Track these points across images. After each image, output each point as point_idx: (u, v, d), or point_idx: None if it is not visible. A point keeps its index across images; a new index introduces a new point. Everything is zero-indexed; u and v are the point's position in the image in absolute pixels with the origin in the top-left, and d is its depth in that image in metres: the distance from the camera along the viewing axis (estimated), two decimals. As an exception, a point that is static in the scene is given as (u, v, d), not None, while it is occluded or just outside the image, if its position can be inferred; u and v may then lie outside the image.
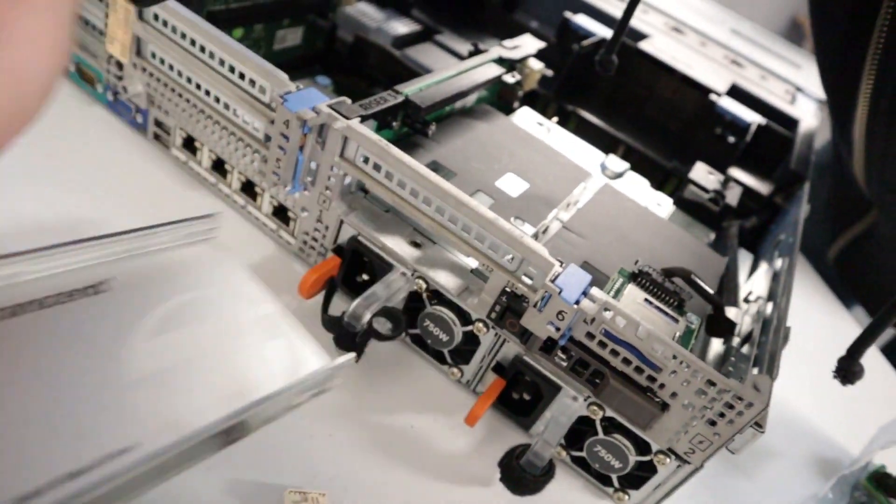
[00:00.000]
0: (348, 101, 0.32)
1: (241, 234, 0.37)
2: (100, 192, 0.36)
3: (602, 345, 0.28)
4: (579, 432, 0.31)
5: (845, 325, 0.57)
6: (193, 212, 0.36)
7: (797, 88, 0.67)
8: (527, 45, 0.46)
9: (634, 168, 0.51)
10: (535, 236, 0.33)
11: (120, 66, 0.39)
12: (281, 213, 0.36)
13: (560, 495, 0.32)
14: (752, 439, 0.27)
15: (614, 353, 0.27)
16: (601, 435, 0.30)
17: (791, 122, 0.58)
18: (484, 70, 0.41)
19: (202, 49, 0.35)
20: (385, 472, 0.29)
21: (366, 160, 0.31)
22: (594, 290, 0.27)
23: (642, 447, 0.30)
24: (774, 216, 0.49)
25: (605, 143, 0.52)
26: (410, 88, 0.36)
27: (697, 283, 0.32)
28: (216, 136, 0.36)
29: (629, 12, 0.37)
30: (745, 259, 0.47)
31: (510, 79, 0.43)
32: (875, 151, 0.48)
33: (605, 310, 0.27)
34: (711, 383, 0.26)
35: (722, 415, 0.27)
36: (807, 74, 0.72)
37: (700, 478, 0.34)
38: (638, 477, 0.31)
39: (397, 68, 0.47)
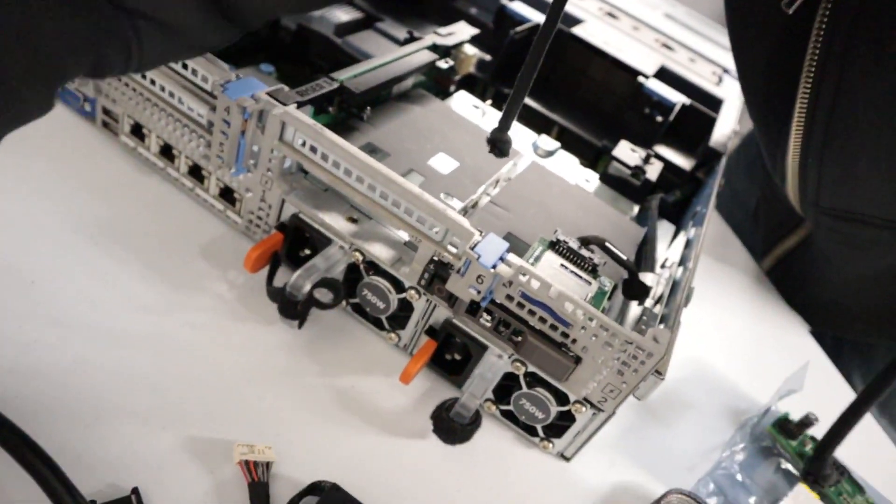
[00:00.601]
0: (286, 88, 0.34)
1: (191, 215, 0.39)
2: (52, 179, 0.37)
3: (520, 305, 0.30)
4: (506, 388, 0.34)
5: (760, 288, 0.61)
6: (144, 197, 0.38)
7: (724, 70, 0.70)
8: (461, 31, 0.49)
9: (567, 147, 0.54)
10: (464, 210, 0.36)
11: (66, 56, 0.40)
12: (227, 194, 0.39)
13: (493, 446, 0.35)
14: (654, 386, 0.31)
15: (531, 312, 0.30)
16: (525, 389, 0.33)
17: (716, 102, 0.62)
18: (418, 56, 0.43)
19: (145, 40, 0.36)
20: (328, 428, 0.32)
21: (303, 143, 0.33)
22: (510, 256, 0.30)
23: (562, 398, 0.33)
24: (696, 190, 0.53)
25: (540, 125, 0.55)
26: (346, 75, 0.38)
27: (611, 250, 0.35)
28: (163, 122, 0.38)
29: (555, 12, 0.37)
30: (669, 230, 0.51)
31: (443, 64, 0.45)
32: (809, 180, 0.48)
33: (522, 274, 0.30)
34: (616, 336, 0.29)
35: (627, 365, 0.30)
36: (735, 56, 0.76)
37: (622, 428, 0.38)
38: (560, 426, 0.34)
39: (338, 55, 0.49)
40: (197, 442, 0.29)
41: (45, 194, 0.37)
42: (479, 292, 0.30)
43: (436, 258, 0.32)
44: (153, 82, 0.37)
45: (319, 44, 0.50)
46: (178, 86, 0.36)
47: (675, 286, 0.37)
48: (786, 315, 0.59)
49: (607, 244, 0.35)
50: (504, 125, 0.34)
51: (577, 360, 0.31)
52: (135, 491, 0.26)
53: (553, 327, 0.30)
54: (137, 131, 0.40)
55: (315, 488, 0.28)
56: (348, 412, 0.33)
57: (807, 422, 0.40)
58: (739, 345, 0.52)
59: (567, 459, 0.35)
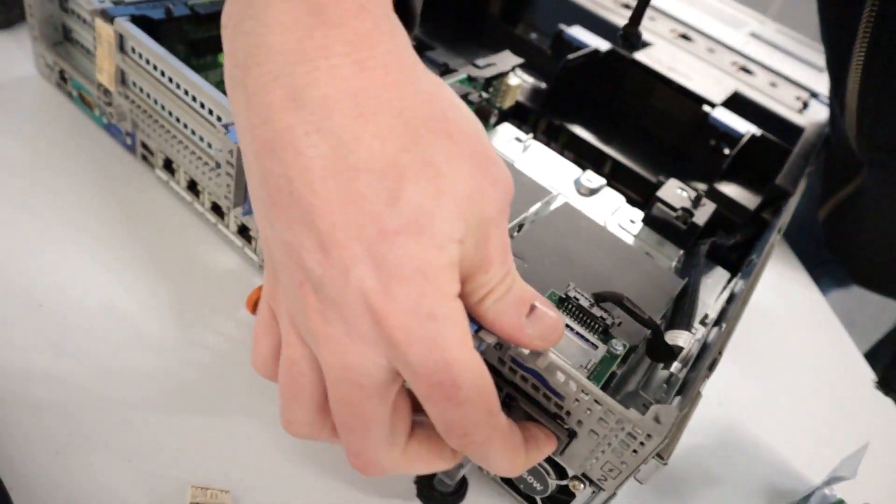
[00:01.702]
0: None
1: (213, 249, 0.40)
2: (89, 206, 0.39)
3: (513, 371, 0.28)
4: (505, 453, 0.32)
5: (835, 338, 0.55)
6: (171, 229, 0.39)
7: (812, 94, 0.64)
8: (502, 62, 0.47)
9: (622, 183, 0.51)
10: (473, 259, 0.34)
11: (108, 93, 0.42)
12: (244, 231, 0.39)
13: (490, 513, 0.32)
14: (656, 471, 0.27)
15: (524, 378, 0.28)
16: (522, 457, 0.31)
17: (795, 131, 0.56)
18: (447, 91, 0.42)
19: (170, 80, 0.37)
20: (299, 479, 0.31)
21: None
22: (499, 319, 0.27)
23: (560, 471, 0.30)
24: (760, 233, 0.48)
25: (593, 158, 0.53)
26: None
27: (630, 308, 0.32)
28: (187, 158, 0.39)
29: None
30: (721, 278, 0.46)
31: (475, 98, 0.43)
32: (867, 108, 0.48)
33: (511, 338, 0.27)
34: (610, 413, 0.27)
35: (626, 444, 0.27)
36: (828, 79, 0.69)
37: (630, 499, 0.35)
38: (559, 500, 0.31)
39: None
40: (159, 479, 0.29)
41: (77, 220, 0.38)
42: (463, 356, 0.28)
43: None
44: (178, 119, 0.38)
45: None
46: (197, 123, 0.37)
47: (703, 349, 0.33)
48: (862, 373, 0.52)
49: (625, 301, 0.32)
50: (635, 19, 0.39)
51: (572, 433, 0.28)
52: None
53: (546, 397, 0.28)
54: (169, 166, 0.41)
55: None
56: (326, 465, 0.32)
57: (862, 512, 0.35)
58: (795, 409, 0.46)
59: (570, 536, 0.33)
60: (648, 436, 0.26)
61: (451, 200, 0.21)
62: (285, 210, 0.21)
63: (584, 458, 0.29)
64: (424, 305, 0.21)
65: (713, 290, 0.44)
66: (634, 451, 0.27)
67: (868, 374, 0.52)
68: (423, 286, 0.21)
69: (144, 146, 0.42)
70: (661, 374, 0.36)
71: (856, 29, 0.45)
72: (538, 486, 0.31)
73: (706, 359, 0.32)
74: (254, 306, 0.34)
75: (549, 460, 0.30)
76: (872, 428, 0.46)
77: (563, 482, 0.30)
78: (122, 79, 0.40)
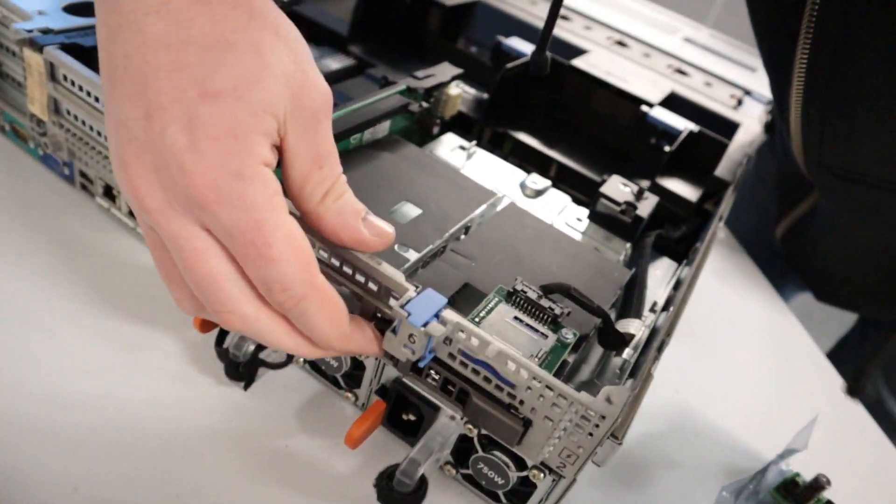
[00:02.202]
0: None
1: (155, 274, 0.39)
2: (34, 240, 0.38)
3: (464, 364, 0.28)
4: (464, 450, 0.32)
5: (780, 320, 0.56)
6: (112, 256, 0.38)
7: (746, 92, 0.67)
8: (441, 73, 0.48)
9: (568, 185, 0.52)
10: (421, 262, 0.34)
11: (41, 123, 0.41)
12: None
13: (454, 513, 0.32)
14: (612, 451, 0.28)
15: (475, 371, 0.28)
16: (481, 452, 0.31)
17: (731, 127, 0.58)
18: (388, 101, 0.42)
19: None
20: (257, 495, 0.30)
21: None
22: (446, 313, 0.28)
23: (520, 463, 0.30)
24: (705, 223, 0.49)
25: (538, 163, 0.53)
26: (303, 126, 0.37)
27: (577, 297, 0.32)
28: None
29: (554, 12, 0.39)
30: (669, 269, 0.47)
31: (415, 108, 0.44)
32: (811, 136, 0.48)
33: (460, 331, 0.27)
34: (564, 397, 0.27)
35: (580, 427, 0.27)
36: (761, 77, 0.72)
37: (595, 490, 0.35)
38: (522, 492, 0.31)
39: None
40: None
41: (18, 253, 0.37)
42: (413, 352, 0.28)
43: (379, 315, 0.30)
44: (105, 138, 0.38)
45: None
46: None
47: (652, 333, 0.34)
48: (812, 356, 0.54)
49: (572, 291, 0.32)
50: (541, 45, 0.39)
51: (527, 422, 0.28)
52: None
53: (499, 388, 0.28)
54: (109, 192, 0.41)
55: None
56: (285, 474, 0.31)
57: (817, 485, 0.35)
58: (746, 390, 0.47)
59: (536, 529, 0.32)
60: (602, 417, 0.26)
61: (271, 77, 0.23)
62: (120, 87, 0.23)
63: (541, 446, 0.29)
64: (232, 164, 0.22)
65: (662, 280, 0.44)
66: (590, 433, 0.27)
67: (814, 352, 0.53)
68: (232, 145, 0.22)
69: (83, 175, 0.41)
70: (615, 361, 0.36)
71: (793, 58, 0.44)
72: (500, 481, 0.31)
73: (655, 341, 0.32)
74: (200, 325, 0.34)
75: (508, 452, 0.30)
76: (820, 402, 0.47)
77: (524, 473, 0.30)
78: (55, 108, 0.40)
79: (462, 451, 0.32)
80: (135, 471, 0.29)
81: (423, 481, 0.30)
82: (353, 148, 0.41)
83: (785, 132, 0.52)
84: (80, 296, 0.36)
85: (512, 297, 0.32)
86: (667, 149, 0.54)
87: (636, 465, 0.38)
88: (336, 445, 0.33)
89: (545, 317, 0.32)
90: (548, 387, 0.27)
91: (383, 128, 0.44)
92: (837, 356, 0.61)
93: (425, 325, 0.27)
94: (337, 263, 0.29)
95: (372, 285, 0.29)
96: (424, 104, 0.45)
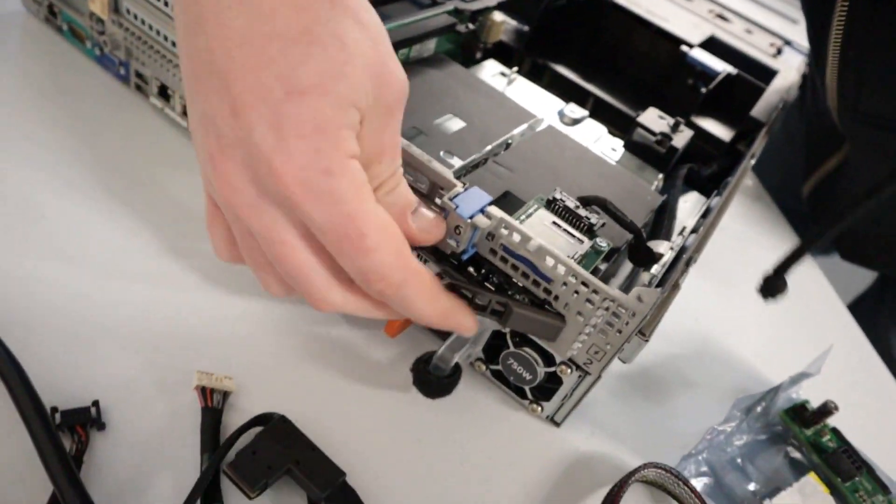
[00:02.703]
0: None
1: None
2: (84, 135, 0.40)
3: (504, 260, 0.30)
4: (495, 347, 0.34)
5: (799, 270, 0.57)
6: (167, 155, 0.40)
7: (786, 42, 0.66)
8: (487, -2, 0.48)
9: (603, 119, 0.52)
10: (464, 169, 0.36)
11: (101, 22, 0.42)
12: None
13: (481, 407, 0.34)
14: (639, 348, 0.29)
15: (514, 267, 0.30)
16: (512, 348, 0.32)
17: (769, 74, 0.58)
18: (435, 20, 0.43)
19: (165, 3, 0.38)
20: (300, 370, 0.32)
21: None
22: (492, 209, 0.29)
23: (548, 359, 0.32)
24: (735, 163, 0.50)
25: (575, 95, 0.54)
26: (355, 35, 0.38)
27: (613, 211, 0.34)
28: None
29: None
30: (698, 203, 0.48)
31: (462, 28, 0.45)
32: (847, 82, 0.47)
33: (503, 227, 0.29)
34: (598, 293, 0.28)
35: (610, 325, 0.29)
36: (802, 29, 0.71)
37: (617, 401, 0.37)
38: (548, 389, 0.33)
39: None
40: (166, 368, 0.30)
41: (76, 148, 0.39)
42: (457, 244, 0.29)
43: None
44: (174, 44, 0.39)
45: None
46: (193, 45, 0.38)
47: (681, 251, 0.35)
48: (826, 295, 0.55)
49: (608, 204, 0.34)
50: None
51: (561, 318, 0.30)
52: (95, 403, 0.27)
53: (536, 283, 0.30)
54: (164, 92, 0.42)
55: (264, 419, 0.28)
56: (326, 358, 0.33)
57: (825, 410, 0.37)
58: (764, 323, 0.49)
59: (557, 424, 0.35)
60: (632, 314, 0.28)
61: (354, 68, 0.23)
62: (205, 81, 0.23)
63: (571, 342, 0.30)
64: (321, 161, 0.22)
65: (691, 212, 0.46)
66: (619, 330, 0.29)
67: (830, 295, 0.55)
68: (320, 142, 0.22)
69: (138, 75, 0.43)
70: (644, 277, 0.38)
71: (833, 2, 0.44)
72: (527, 376, 0.33)
73: (684, 257, 0.34)
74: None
75: (537, 348, 0.32)
76: (833, 338, 0.49)
77: (551, 369, 0.32)
78: (115, 6, 0.41)
79: (492, 349, 0.34)
80: (194, 339, 0.32)
81: (457, 368, 0.32)
82: (402, 62, 0.42)
83: (819, 82, 0.52)
84: (138, 194, 0.38)
85: (551, 204, 0.34)
86: (703, 90, 0.55)
87: (656, 381, 0.40)
88: (375, 336, 0.35)
89: (581, 225, 0.33)
90: (584, 283, 0.29)
91: (429, 47, 0.45)
92: (854, 313, 0.62)
93: (471, 217, 0.29)
94: (389, 158, 0.31)
95: (422, 183, 0.31)
96: (471, 26, 0.46)
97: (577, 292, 0.29)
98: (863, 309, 0.69)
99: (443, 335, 0.35)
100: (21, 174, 0.36)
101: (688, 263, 0.33)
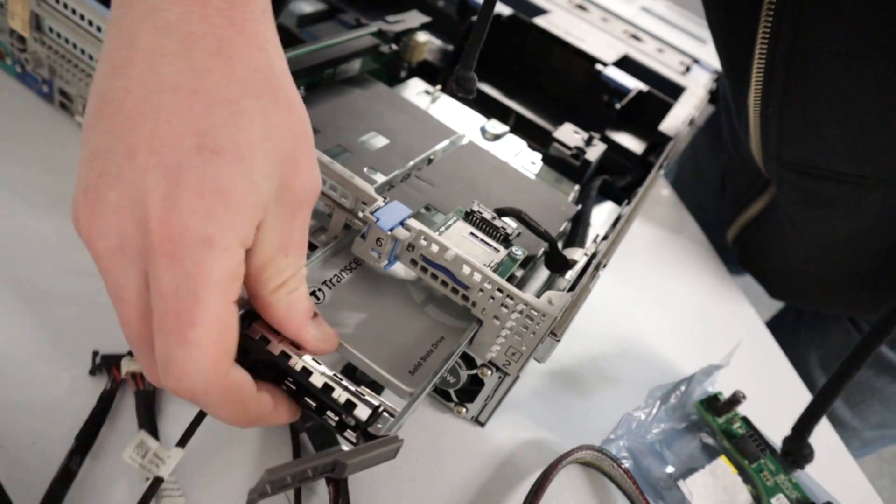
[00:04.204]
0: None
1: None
2: (10, 157, 0.40)
3: (424, 270, 0.32)
4: (420, 353, 0.35)
5: (714, 269, 0.61)
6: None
7: (694, 60, 0.71)
8: (411, 19, 0.50)
9: (523, 134, 0.55)
10: (387, 184, 0.38)
11: (22, 40, 0.42)
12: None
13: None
14: (552, 347, 0.32)
15: (433, 276, 0.32)
16: (435, 353, 0.34)
17: (678, 90, 0.62)
18: (360, 41, 0.45)
19: (90, 22, 0.38)
20: None
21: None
22: (411, 221, 0.31)
23: (470, 362, 0.34)
24: (647, 174, 0.53)
25: (497, 112, 0.57)
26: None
27: (527, 221, 0.36)
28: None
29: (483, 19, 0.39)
30: (614, 213, 0.51)
31: (386, 49, 0.47)
32: (770, 133, 0.48)
33: (422, 238, 0.31)
34: (512, 298, 0.30)
35: (525, 327, 0.31)
36: (710, 48, 0.76)
37: (538, 396, 0.39)
38: (471, 391, 0.35)
39: (296, 44, 0.51)
40: None
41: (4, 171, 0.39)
42: (379, 255, 0.31)
43: (349, 224, 0.33)
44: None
45: (279, 34, 0.52)
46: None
47: (593, 257, 0.38)
48: (734, 295, 0.59)
49: (523, 215, 0.36)
50: (466, 63, 0.40)
51: (479, 322, 0.32)
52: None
53: (454, 290, 0.32)
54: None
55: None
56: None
57: (734, 399, 0.40)
58: (679, 323, 0.52)
59: (482, 424, 0.36)
60: (543, 315, 0.30)
61: (276, 152, 0.22)
62: (109, 119, 0.21)
63: (490, 345, 0.32)
64: (208, 228, 0.20)
65: (606, 221, 0.49)
66: (532, 332, 0.31)
67: (736, 296, 0.59)
68: (217, 208, 0.20)
69: (63, 93, 0.43)
70: (560, 283, 0.40)
71: (750, 60, 0.44)
72: (451, 380, 0.35)
73: (594, 261, 0.36)
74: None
75: (462, 354, 0.34)
76: (741, 335, 0.52)
77: (473, 372, 0.34)
78: (37, 25, 0.41)
79: (418, 354, 0.36)
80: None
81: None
82: (327, 81, 0.44)
83: (742, 132, 0.53)
84: (60, 215, 0.38)
85: (469, 216, 0.36)
86: (617, 106, 0.58)
87: (576, 378, 0.42)
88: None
89: (498, 235, 0.35)
90: (499, 289, 0.31)
91: (354, 66, 0.46)
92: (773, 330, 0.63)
93: (391, 229, 0.30)
94: (313, 175, 0.32)
95: (344, 198, 0.32)
96: (394, 47, 0.48)
97: (492, 298, 0.31)
98: (781, 328, 0.72)
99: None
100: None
101: (597, 268, 0.35)
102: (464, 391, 0.35)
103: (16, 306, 0.32)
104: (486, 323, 0.32)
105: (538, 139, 0.55)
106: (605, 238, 0.40)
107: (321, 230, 0.35)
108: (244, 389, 0.23)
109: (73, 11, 0.39)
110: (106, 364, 0.31)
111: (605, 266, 0.36)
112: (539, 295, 0.36)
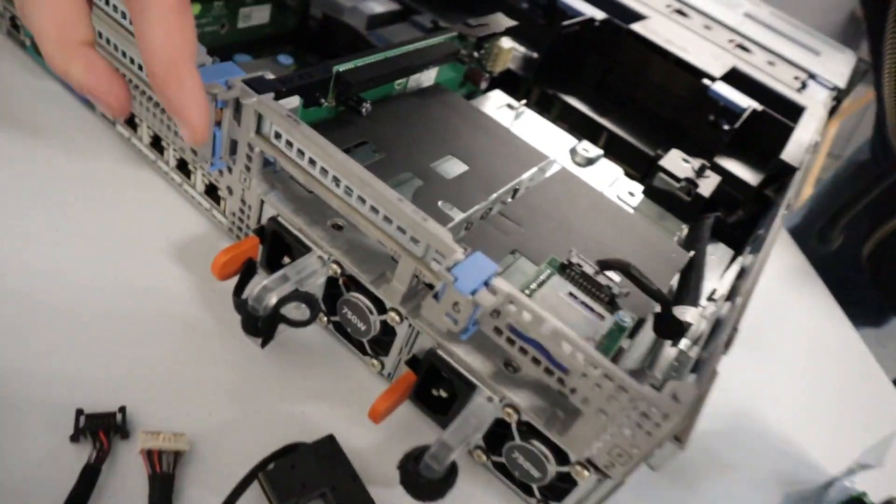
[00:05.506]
0: (269, 75, 0.30)
1: (177, 211, 0.36)
2: (48, 165, 0.35)
3: (510, 342, 0.25)
4: (499, 436, 0.29)
5: (844, 335, 0.52)
6: (132, 190, 0.35)
7: (810, 75, 0.62)
8: (495, 22, 0.44)
9: (618, 157, 0.48)
10: (466, 223, 0.31)
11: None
12: (212, 191, 0.35)
13: (480, 500, 0.29)
14: (672, 455, 0.24)
15: (523, 350, 0.25)
16: (518, 440, 0.28)
17: (795, 110, 0.54)
18: (437, 48, 0.39)
19: (132, 22, 0.33)
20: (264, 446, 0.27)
21: (278, 137, 0.29)
22: (498, 281, 0.24)
23: (561, 456, 0.27)
24: (763, 210, 0.45)
25: (589, 130, 0.50)
26: (345, 64, 0.34)
27: (637, 278, 0.29)
28: (151, 111, 0.35)
29: None
30: (725, 255, 0.44)
31: (467, 57, 0.40)
32: None
33: (510, 303, 0.24)
34: (623, 389, 0.24)
35: (639, 425, 0.24)
36: (825, 61, 0.67)
37: (637, 489, 0.32)
38: (560, 489, 0.28)
39: (364, 48, 0.45)
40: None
41: (29, 179, 0.34)
42: (456, 322, 0.25)
43: (419, 276, 0.27)
44: (140, 68, 0.34)
45: (346, 35, 0.47)
46: (159, 70, 0.33)
47: (717, 325, 0.30)
48: (874, 375, 0.50)
49: (632, 270, 0.29)
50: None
51: (576, 412, 0.25)
52: (122, 409, 0.26)
53: (548, 371, 0.25)
54: (131, 121, 0.37)
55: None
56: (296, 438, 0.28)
57: (886, 506, 0.32)
58: (810, 400, 0.44)
59: (569, 528, 0.29)
60: (665, 415, 0.23)
61: None
62: None
63: (590, 440, 0.26)
64: None
65: (717, 267, 0.41)
66: (648, 433, 0.24)
67: (875, 371, 0.50)
68: None
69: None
70: (669, 352, 0.33)
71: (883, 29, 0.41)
72: (535, 474, 0.28)
73: (721, 334, 0.29)
74: (220, 271, 0.31)
75: (549, 444, 0.27)
76: (884, 423, 0.44)
77: (564, 468, 0.27)
78: (77, 23, 0.36)
79: (495, 437, 0.29)
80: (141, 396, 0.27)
81: (452, 468, 0.27)
82: (397, 94, 0.38)
83: (881, 113, 0.49)
84: (92, 229, 0.33)
85: (566, 269, 0.29)
86: (726, 127, 0.50)
87: (686, 463, 0.35)
88: (355, 416, 0.30)
89: (602, 296, 0.28)
90: (606, 376, 0.24)
91: (429, 76, 0.40)
92: None
93: (474, 293, 0.24)
94: (377, 213, 0.26)
95: (413, 244, 0.26)
96: (476, 54, 0.42)
97: (598, 386, 0.24)
98: None
99: (434, 420, 0.30)
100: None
101: (728, 344, 0.28)
102: (550, 488, 0.28)
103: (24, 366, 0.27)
104: (586, 414, 0.25)
105: (634, 164, 0.48)
106: (730, 298, 0.32)
107: (381, 277, 0.29)
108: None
109: (115, 9, 0.34)
110: (92, 427, 0.25)
111: (734, 340, 0.28)
112: (647, 367, 0.29)
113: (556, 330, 0.24)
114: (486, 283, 0.24)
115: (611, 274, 0.30)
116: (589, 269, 0.29)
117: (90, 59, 0.22)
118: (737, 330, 0.29)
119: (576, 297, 0.28)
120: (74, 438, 0.25)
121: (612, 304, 0.28)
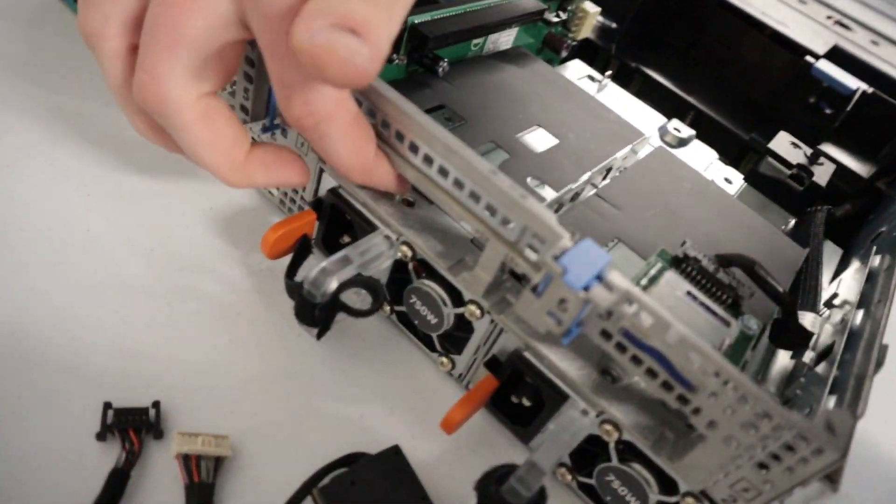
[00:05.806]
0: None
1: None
2: (86, 126, 0.31)
3: (621, 348, 0.21)
4: (589, 454, 0.24)
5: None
6: (173, 159, 0.32)
7: (917, 58, 0.56)
8: (581, -18, 0.39)
9: (704, 138, 0.43)
10: (557, 203, 0.27)
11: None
12: (263, 159, 0.31)
13: (562, 529, 0.25)
14: (820, 498, 0.20)
15: (636, 360, 0.21)
16: (615, 462, 0.23)
17: (906, 95, 0.48)
18: (520, 4, 0.34)
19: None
20: (314, 461, 0.23)
21: (346, 94, 0.25)
22: (614, 275, 0.20)
23: (668, 485, 0.23)
24: (875, 205, 0.40)
25: (673, 108, 0.45)
26: (421, 16, 0.29)
27: (763, 278, 0.24)
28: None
29: None
30: (831, 254, 0.38)
31: (553, 18, 0.35)
32: None
33: (628, 302, 0.20)
34: (766, 415, 0.19)
35: (777, 458, 0.20)
36: (929, 44, 0.61)
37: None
38: (661, 520, 0.24)
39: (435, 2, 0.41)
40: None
41: (63, 138, 0.30)
42: (559, 323, 0.20)
43: (508, 264, 0.23)
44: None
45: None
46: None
47: (851, 338, 0.26)
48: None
49: (757, 268, 0.24)
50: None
51: (699, 437, 0.21)
52: (155, 404, 0.23)
53: (667, 386, 0.20)
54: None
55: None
56: (353, 450, 0.24)
57: None
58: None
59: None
60: (818, 450, 0.19)
61: None
62: None
63: (711, 471, 0.21)
64: None
65: (827, 267, 0.36)
66: (789, 468, 0.20)
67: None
68: None
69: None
70: (781, 364, 0.28)
71: None
72: (632, 501, 0.24)
73: (860, 349, 0.24)
74: (270, 248, 0.27)
75: (653, 467, 0.23)
76: None
77: (672, 499, 0.23)
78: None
79: (584, 454, 0.25)
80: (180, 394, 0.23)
81: (541, 493, 0.22)
82: (472, 56, 0.33)
83: None
84: (131, 199, 0.29)
85: (680, 264, 0.24)
86: (828, 111, 0.45)
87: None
88: (421, 422, 0.26)
89: (725, 297, 0.24)
90: (743, 397, 0.19)
91: (508, 38, 0.36)
92: None
93: (587, 288, 0.19)
94: (461, 187, 0.22)
95: (506, 228, 0.22)
96: (561, 15, 0.37)
97: (731, 410, 0.19)
98: None
99: (512, 431, 0.26)
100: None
101: (880, 363, 0.23)
102: (649, 519, 0.24)
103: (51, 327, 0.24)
104: (710, 440, 0.21)
105: (723, 147, 0.43)
106: (861, 307, 0.27)
107: (460, 263, 0.25)
108: (365, 120, 0.22)
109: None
110: (121, 425, 0.22)
111: (884, 362, 0.24)
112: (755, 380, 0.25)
113: (684, 338, 0.19)
114: (599, 277, 0.20)
115: (735, 273, 0.25)
116: (708, 265, 0.24)
117: (263, 161, 0.23)
118: (886, 346, 0.24)
119: (695, 298, 0.23)
120: (101, 437, 0.22)
121: (734, 307, 0.24)
